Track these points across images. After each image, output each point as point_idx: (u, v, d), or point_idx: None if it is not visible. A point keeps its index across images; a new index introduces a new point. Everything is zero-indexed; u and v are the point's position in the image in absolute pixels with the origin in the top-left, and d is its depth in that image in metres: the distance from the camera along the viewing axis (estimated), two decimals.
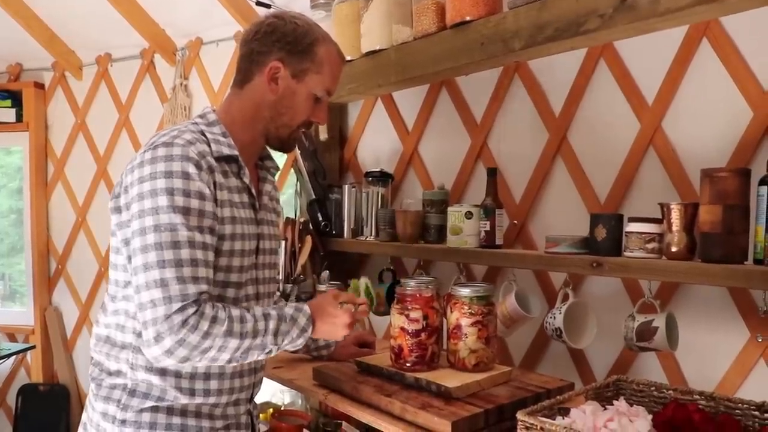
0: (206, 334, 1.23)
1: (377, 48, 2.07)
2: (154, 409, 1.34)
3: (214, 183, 1.32)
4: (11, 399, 4.01)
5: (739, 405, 1.31)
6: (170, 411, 1.35)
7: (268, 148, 1.55)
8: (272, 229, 1.55)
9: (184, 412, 1.37)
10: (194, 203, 1.27)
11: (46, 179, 4.07)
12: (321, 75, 1.44)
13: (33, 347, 3.87)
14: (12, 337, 4.07)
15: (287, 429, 2.40)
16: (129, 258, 1.30)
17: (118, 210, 1.34)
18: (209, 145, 1.35)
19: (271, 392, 2.71)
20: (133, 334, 1.35)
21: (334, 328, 1.45)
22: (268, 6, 2.86)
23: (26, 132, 3.98)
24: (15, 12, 3.44)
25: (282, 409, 2.63)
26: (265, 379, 1.62)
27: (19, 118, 3.99)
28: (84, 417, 1.45)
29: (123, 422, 1.34)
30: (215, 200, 1.32)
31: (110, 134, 3.81)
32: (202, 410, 1.39)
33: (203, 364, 1.29)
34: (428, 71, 1.94)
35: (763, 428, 1.25)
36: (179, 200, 1.25)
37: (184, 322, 1.21)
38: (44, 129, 4.05)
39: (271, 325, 1.33)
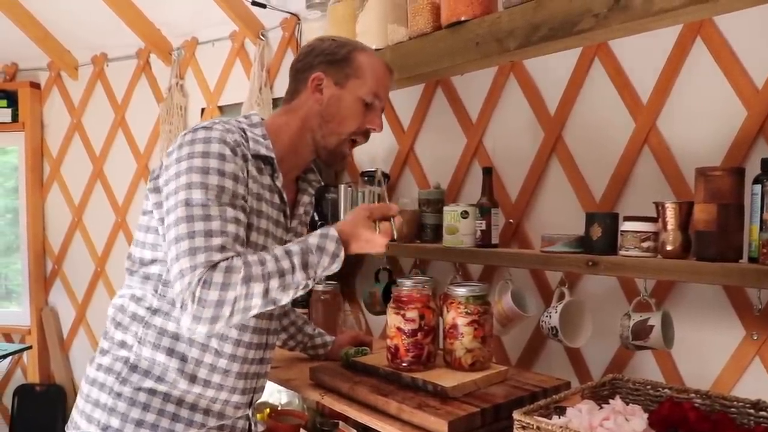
0: (224, 286, 1.18)
1: (373, 47, 2.06)
2: (151, 392, 1.35)
3: (247, 171, 1.35)
4: (7, 399, 4.01)
5: (734, 403, 1.32)
6: (166, 397, 1.36)
7: (313, 164, 1.59)
8: None
9: (180, 401, 1.37)
10: (228, 183, 1.29)
11: (42, 179, 4.07)
12: (363, 79, 1.47)
13: (29, 347, 3.86)
14: (8, 338, 4.07)
15: (284, 429, 2.41)
16: (164, 237, 1.31)
17: (156, 190, 1.36)
18: (247, 141, 1.38)
19: (269, 392, 2.71)
20: (146, 309, 1.37)
21: (371, 245, 1.39)
22: (263, 6, 2.87)
23: (22, 132, 3.99)
24: (10, 12, 3.44)
25: (279, 408, 2.63)
26: None
27: (15, 118, 3.99)
28: (78, 394, 1.45)
29: (118, 395, 1.35)
30: (246, 187, 1.34)
31: (106, 134, 3.82)
32: (199, 403, 1.40)
33: (238, 319, 1.23)
34: (424, 71, 1.93)
35: (757, 426, 1.25)
36: (213, 179, 1.27)
37: (199, 281, 1.18)
38: (40, 129, 4.05)
39: (296, 260, 1.27)
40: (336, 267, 1.34)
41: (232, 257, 1.22)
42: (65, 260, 4.04)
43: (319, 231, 1.34)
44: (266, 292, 1.23)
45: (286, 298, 1.28)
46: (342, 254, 1.34)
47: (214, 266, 1.19)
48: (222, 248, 1.22)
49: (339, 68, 1.46)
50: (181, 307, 1.20)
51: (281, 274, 1.24)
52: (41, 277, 4.08)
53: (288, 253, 1.27)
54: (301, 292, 1.30)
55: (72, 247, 4.01)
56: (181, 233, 1.22)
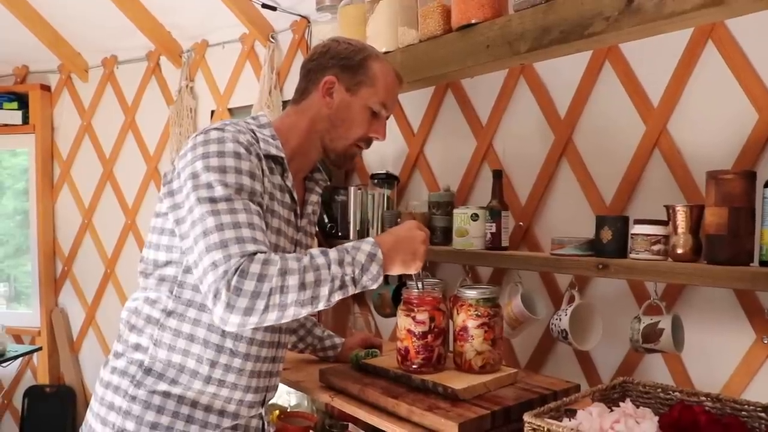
0: (261, 276, 1.18)
1: (383, 50, 2.06)
2: (166, 395, 1.36)
3: (262, 170, 1.36)
4: (18, 400, 4.03)
5: (746, 406, 1.31)
6: (181, 400, 1.37)
7: (319, 164, 1.59)
8: (309, 240, 1.59)
9: (195, 403, 1.38)
10: (246, 180, 1.30)
11: (52, 181, 4.09)
12: (374, 88, 1.49)
13: (39, 349, 3.88)
14: (18, 339, 4.09)
15: (293, 431, 2.41)
16: (181, 237, 1.32)
17: (171, 194, 1.36)
18: (258, 142, 1.39)
19: (278, 393, 2.71)
20: (161, 311, 1.37)
21: (411, 242, 1.38)
22: (273, 8, 2.88)
23: (32, 134, 4.01)
24: (21, 14, 3.46)
25: (288, 410, 2.63)
26: None
27: (26, 120, 4.02)
28: (93, 396, 1.46)
29: (133, 398, 1.36)
30: (263, 185, 1.35)
31: (116, 136, 3.83)
32: (213, 404, 1.40)
33: (273, 317, 1.21)
34: (434, 73, 1.94)
35: None
36: (231, 177, 1.28)
37: (236, 270, 1.17)
38: (50, 131, 4.07)
39: (332, 254, 1.27)
40: (376, 269, 1.30)
41: (269, 252, 1.23)
42: (75, 262, 4.06)
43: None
44: (302, 285, 1.21)
45: (323, 295, 1.24)
46: (379, 254, 1.31)
47: (250, 257, 1.20)
48: (254, 240, 1.23)
49: (352, 74, 1.48)
50: (215, 296, 1.18)
51: (317, 267, 1.24)
52: (51, 278, 4.10)
53: (323, 252, 1.28)
54: (338, 294, 1.27)
55: (82, 248, 4.02)
56: (209, 227, 1.22)
